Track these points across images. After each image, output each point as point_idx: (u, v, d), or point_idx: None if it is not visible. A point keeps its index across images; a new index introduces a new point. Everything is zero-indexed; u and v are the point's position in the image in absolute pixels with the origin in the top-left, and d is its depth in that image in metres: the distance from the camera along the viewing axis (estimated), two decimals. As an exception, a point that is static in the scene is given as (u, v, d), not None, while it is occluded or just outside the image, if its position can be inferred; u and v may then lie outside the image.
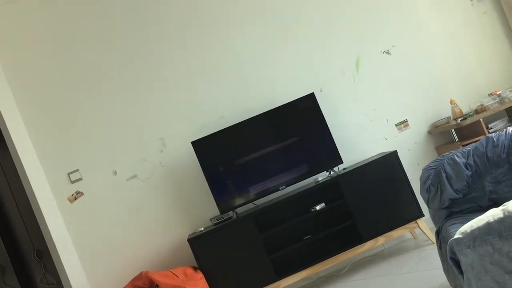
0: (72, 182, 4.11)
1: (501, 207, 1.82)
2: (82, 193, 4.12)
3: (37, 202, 3.95)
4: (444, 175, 2.87)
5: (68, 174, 4.11)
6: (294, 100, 4.05)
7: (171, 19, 4.25)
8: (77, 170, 4.12)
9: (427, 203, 2.97)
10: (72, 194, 4.11)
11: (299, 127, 4.08)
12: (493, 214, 1.82)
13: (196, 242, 3.76)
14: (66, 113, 4.14)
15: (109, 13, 4.21)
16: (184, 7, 4.26)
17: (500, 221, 1.76)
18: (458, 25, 4.46)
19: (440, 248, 2.78)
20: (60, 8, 4.17)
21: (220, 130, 4.00)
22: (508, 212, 1.76)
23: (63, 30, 4.17)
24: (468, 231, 1.87)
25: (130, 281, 3.65)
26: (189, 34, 4.26)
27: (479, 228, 1.82)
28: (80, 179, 4.12)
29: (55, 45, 4.15)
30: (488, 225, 1.79)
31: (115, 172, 4.15)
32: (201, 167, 3.95)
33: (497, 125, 4.05)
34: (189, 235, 3.98)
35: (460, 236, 1.89)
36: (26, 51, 4.13)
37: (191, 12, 4.27)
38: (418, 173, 3.85)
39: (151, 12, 4.24)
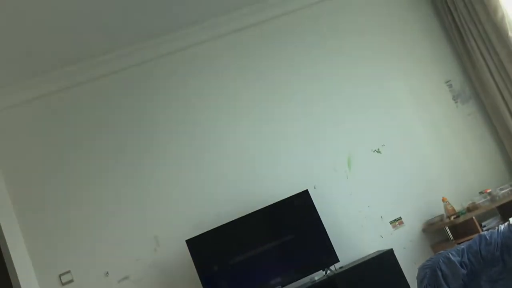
0: (63, 284, 4.00)
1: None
2: (72, 296, 4.00)
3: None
4: (440, 273, 2.85)
5: (59, 275, 4.01)
6: (288, 197, 4.09)
7: (165, 118, 4.39)
8: (68, 272, 4.03)
9: (425, 303, 2.91)
10: (62, 297, 3.99)
11: (294, 224, 4.08)
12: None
13: None
14: (60, 213, 4.11)
15: (100, 116, 4.35)
16: (176, 107, 4.42)
17: (496, 321, 1.74)
18: (445, 126, 4.63)
19: None
20: (53, 104, 4.32)
21: (215, 228, 3.98)
22: (503, 312, 1.74)
23: (57, 130, 4.28)
24: (466, 332, 1.83)
25: None
26: (181, 132, 4.38)
27: (476, 329, 1.79)
28: (72, 280, 4.01)
29: (47, 147, 4.24)
30: (485, 326, 1.77)
31: (107, 273, 4.06)
32: (195, 266, 3.88)
33: (490, 223, 4.07)
34: None
35: (458, 338, 1.85)
36: (22, 151, 4.21)
37: (184, 110, 4.42)
38: (415, 272, 3.80)
39: (143, 113, 4.38)
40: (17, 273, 3.86)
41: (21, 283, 3.85)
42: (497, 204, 4.04)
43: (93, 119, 4.35)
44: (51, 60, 4.12)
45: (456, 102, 4.70)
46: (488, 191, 4.19)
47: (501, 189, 4.14)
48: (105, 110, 4.37)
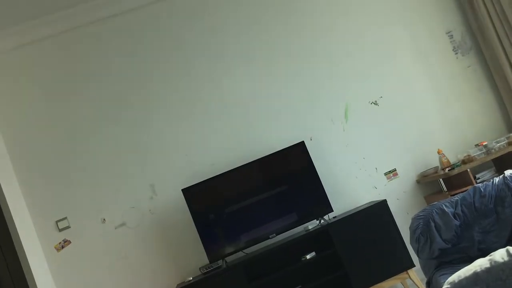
0: (60, 230, 4.06)
1: (488, 257, 1.83)
2: (69, 242, 4.06)
3: (24, 251, 3.87)
4: (433, 224, 2.88)
5: (56, 222, 4.07)
6: (284, 149, 4.09)
7: (164, 68, 4.34)
8: (65, 218, 4.08)
9: (417, 253, 2.96)
10: (59, 243, 4.05)
11: (289, 175, 4.10)
12: (480, 264, 1.83)
13: (185, 292, 3.68)
14: (56, 161, 4.14)
15: (99, 63, 4.29)
16: (175, 57, 4.36)
17: (487, 271, 1.77)
18: (444, 78, 4.58)
19: (430, 299, 2.76)
20: (49, 49, 4.25)
21: (211, 178, 4.01)
22: (495, 262, 1.77)
23: (54, 77, 4.23)
24: (456, 281, 1.87)
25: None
26: (180, 82, 4.34)
27: (466, 278, 1.82)
28: (68, 227, 4.07)
29: (45, 95, 4.21)
30: (476, 275, 1.80)
31: (104, 220, 4.12)
32: (191, 214, 3.93)
33: (484, 175, 4.10)
34: (177, 285, 3.91)
35: (448, 286, 1.89)
36: (19, 102, 4.17)
37: (182, 61, 4.36)
38: (408, 222, 3.85)
39: (142, 62, 4.33)
40: (14, 219, 3.89)
41: (18, 229, 3.89)
42: (493, 156, 4.05)
43: (91, 66, 4.27)
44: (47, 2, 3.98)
45: (456, 54, 4.63)
46: (484, 143, 4.19)
47: (497, 142, 4.14)
48: (103, 57, 4.30)
